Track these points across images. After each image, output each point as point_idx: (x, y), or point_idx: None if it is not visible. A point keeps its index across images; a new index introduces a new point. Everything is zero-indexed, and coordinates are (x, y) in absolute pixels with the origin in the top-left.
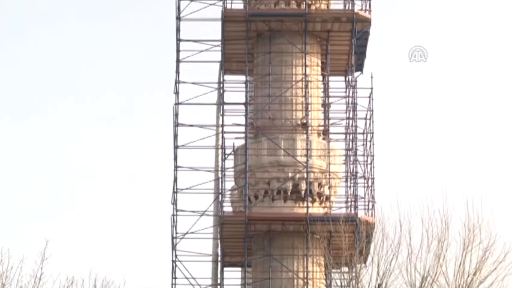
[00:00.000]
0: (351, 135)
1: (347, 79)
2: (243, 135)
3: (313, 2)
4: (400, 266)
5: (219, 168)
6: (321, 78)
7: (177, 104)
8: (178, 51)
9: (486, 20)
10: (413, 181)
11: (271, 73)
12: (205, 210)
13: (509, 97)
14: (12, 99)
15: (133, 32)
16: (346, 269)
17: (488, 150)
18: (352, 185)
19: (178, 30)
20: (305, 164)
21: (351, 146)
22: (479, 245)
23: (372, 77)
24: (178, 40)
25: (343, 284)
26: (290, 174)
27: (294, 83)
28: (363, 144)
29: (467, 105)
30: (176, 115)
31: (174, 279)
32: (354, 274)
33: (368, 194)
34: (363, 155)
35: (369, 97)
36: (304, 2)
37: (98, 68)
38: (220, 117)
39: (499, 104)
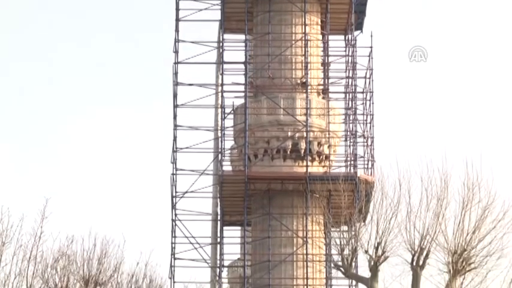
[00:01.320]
0: (351, 94)
1: (347, 38)
2: (243, 94)
3: None
4: (399, 225)
5: (219, 127)
6: (320, 37)
7: (176, 63)
8: (177, 9)
9: (486, 20)
10: (412, 140)
11: (270, 32)
12: (205, 169)
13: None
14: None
15: None
16: (345, 227)
17: (487, 109)
18: (351, 144)
19: None
20: (305, 123)
21: (350, 105)
22: (479, 204)
23: (371, 36)
24: None
25: (342, 243)
26: (290, 133)
27: (293, 42)
28: (363, 103)
29: (467, 66)
30: (176, 74)
31: (173, 238)
32: (353, 233)
33: (367, 153)
34: (363, 114)
35: (369, 56)
36: None
37: (97, 25)
38: (220, 76)
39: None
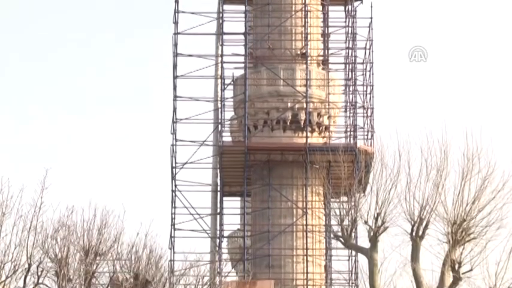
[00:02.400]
0: (351, 65)
1: (347, 9)
2: (243, 65)
3: None
4: (399, 196)
5: (219, 98)
6: (320, 7)
7: (176, 33)
8: None
9: (486, 20)
10: (412, 111)
11: (270, 3)
12: (205, 140)
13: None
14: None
15: None
16: (345, 198)
17: (487, 57)
18: (351, 114)
19: None
20: (304, 94)
21: (350, 76)
22: (478, 174)
23: (371, 7)
24: None
25: (342, 213)
26: (289, 104)
27: (293, 12)
28: (363, 74)
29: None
30: (175, 45)
31: (173, 209)
32: (352, 203)
33: (367, 123)
34: (363, 84)
35: (369, 27)
36: None
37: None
38: (220, 47)
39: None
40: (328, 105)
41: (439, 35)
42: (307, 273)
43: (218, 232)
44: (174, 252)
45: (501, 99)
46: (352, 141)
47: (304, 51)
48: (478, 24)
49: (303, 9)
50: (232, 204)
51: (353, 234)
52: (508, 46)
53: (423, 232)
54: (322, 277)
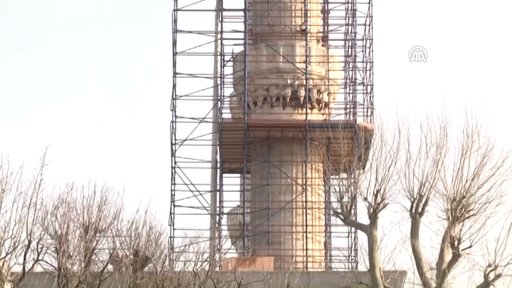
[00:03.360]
0: (350, 41)
1: None
2: (242, 41)
3: None
4: (398, 172)
5: (218, 75)
6: None
7: (175, 10)
8: None
9: (486, 20)
10: (412, 87)
11: None
12: (205, 117)
13: None
14: None
15: None
16: (344, 175)
17: (487, 57)
18: (351, 91)
19: None
20: (304, 71)
21: (350, 53)
22: (478, 151)
23: None
24: None
25: (341, 190)
26: (289, 81)
27: None
28: (362, 51)
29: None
30: (175, 21)
31: (173, 186)
32: (352, 180)
33: (367, 100)
34: (362, 61)
35: (369, 3)
36: None
37: None
38: (219, 24)
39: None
40: (328, 81)
41: (439, 35)
42: (306, 249)
43: (218, 209)
44: (173, 229)
45: (501, 75)
46: (351, 117)
47: (303, 27)
48: (478, 25)
49: None
50: (232, 181)
51: (352, 211)
52: (508, 46)
53: (423, 209)
54: (321, 254)
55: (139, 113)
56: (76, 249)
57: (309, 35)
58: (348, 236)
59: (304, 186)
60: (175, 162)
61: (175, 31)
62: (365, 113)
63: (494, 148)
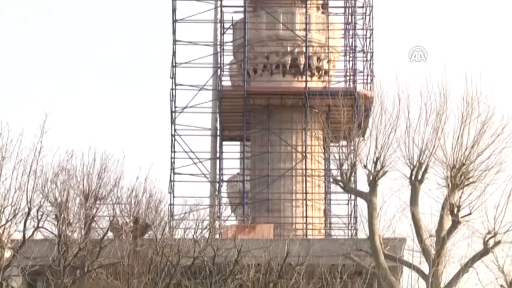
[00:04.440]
0: (350, 8)
1: None
2: (242, 9)
3: None
4: (398, 140)
5: (218, 43)
6: None
7: None
8: None
9: (486, 20)
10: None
11: None
12: (204, 85)
13: None
14: None
15: None
16: (344, 142)
17: (487, 23)
18: (351, 59)
19: None
20: (304, 38)
21: (350, 20)
22: (478, 118)
23: None
24: None
25: (341, 158)
26: (289, 49)
27: None
28: (362, 18)
29: None
30: None
31: (173, 153)
32: (352, 148)
33: (367, 68)
34: (362, 28)
35: None
36: None
37: None
38: None
39: None
40: (328, 49)
41: (439, 35)
42: (306, 217)
43: (218, 176)
44: (173, 197)
45: (501, 42)
46: (351, 85)
47: None
48: (478, 25)
49: None
50: (232, 149)
51: (352, 178)
52: (508, 46)
53: (422, 176)
54: (321, 221)
55: (139, 80)
56: (76, 217)
57: (308, 2)
58: (348, 204)
59: (304, 154)
60: (175, 130)
61: None
62: (365, 81)
63: (494, 115)
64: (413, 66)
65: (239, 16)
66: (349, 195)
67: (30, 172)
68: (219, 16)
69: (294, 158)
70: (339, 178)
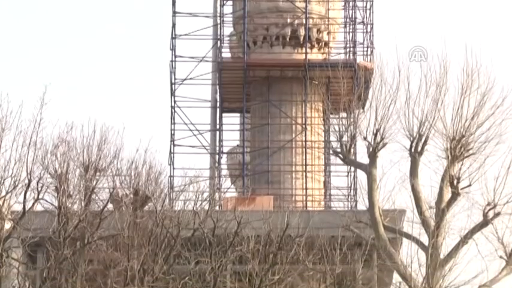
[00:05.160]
0: None
1: None
2: None
3: None
4: (398, 111)
5: (218, 14)
6: None
7: None
8: None
9: (486, 20)
10: (412, 26)
11: None
12: (204, 56)
13: None
14: None
15: None
16: (344, 114)
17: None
18: (351, 30)
19: None
20: (304, 10)
21: None
22: (478, 90)
23: None
24: None
25: (341, 130)
26: (289, 20)
27: None
28: None
29: None
30: None
31: (173, 125)
32: (352, 119)
33: (367, 39)
34: (362, 0)
35: None
36: None
37: None
38: None
39: None
40: (328, 21)
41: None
42: (306, 189)
43: (217, 148)
44: (173, 168)
45: (501, 13)
46: (351, 57)
47: None
48: (478, 24)
49: None
50: (232, 121)
51: (352, 150)
52: (508, 46)
53: (422, 148)
54: (321, 193)
55: (139, 52)
56: (76, 188)
57: None
58: (348, 175)
59: (303, 126)
60: (174, 102)
61: None
62: (365, 52)
63: (494, 87)
64: (413, 39)
65: None
66: (349, 167)
67: (30, 144)
68: None
69: (293, 130)
70: (338, 150)
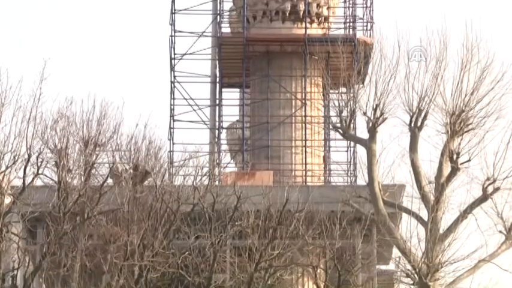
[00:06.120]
0: None
1: None
2: None
3: None
4: (397, 86)
5: None
6: None
7: None
8: None
9: (486, 20)
10: (412, 1)
11: None
12: (204, 31)
13: None
14: None
15: None
16: (344, 89)
17: None
18: (350, 5)
19: None
20: None
21: None
22: (477, 65)
23: None
24: None
25: (341, 105)
26: None
27: None
28: None
29: None
30: None
31: (172, 100)
32: (351, 94)
33: (367, 14)
34: None
35: None
36: None
37: None
38: None
39: None
40: None
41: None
42: (305, 164)
43: (217, 123)
44: (173, 143)
45: None
46: (351, 32)
47: None
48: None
49: None
50: (231, 96)
51: (352, 125)
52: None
53: (422, 123)
54: (320, 168)
55: (139, 27)
56: (76, 163)
57: None
58: (347, 150)
59: (303, 101)
60: (174, 77)
61: None
62: (365, 27)
63: (494, 62)
64: (413, 14)
65: None
66: (349, 142)
67: (29, 119)
68: None
69: (293, 105)
70: (338, 125)
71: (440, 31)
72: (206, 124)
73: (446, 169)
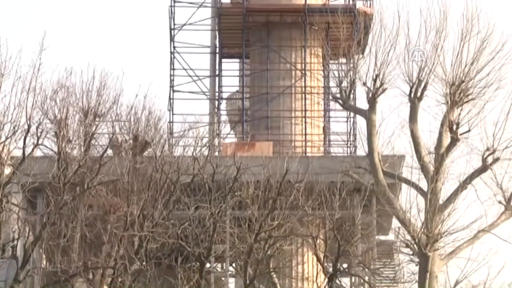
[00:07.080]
0: None
1: None
2: None
3: None
4: (397, 57)
5: None
6: None
7: None
8: None
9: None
10: None
11: None
12: (203, 2)
13: None
14: None
15: None
16: (343, 60)
17: None
18: None
19: None
20: None
21: None
22: (477, 35)
23: None
24: None
25: (340, 75)
26: None
27: None
28: None
29: None
30: None
31: (172, 71)
32: (351, 65)
33: None
34: None
35: None
36: None
37: None
38: None
39: None
40: None
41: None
42: (305, 134)
43: (217, 94)
44: (173, 114)
45: None
46: (351, 2)
47: None
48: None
49: None
50: (231, 66)
51: (351, 95)
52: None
53: (421, 93)
54: (320, 138)
55: None
56: (76, 134)
57: None
58: (347, 121)
59: (303, 71)
60: (174, 47)
61: None
62: None
63: (494, 32)
64: None
65: None
66: (349, 112)
67: (29, 89)
68: None
69: (293, 76)
70: (338, 95)
71: (440, 1)
72: (206, 95)
73: (446, 139)
